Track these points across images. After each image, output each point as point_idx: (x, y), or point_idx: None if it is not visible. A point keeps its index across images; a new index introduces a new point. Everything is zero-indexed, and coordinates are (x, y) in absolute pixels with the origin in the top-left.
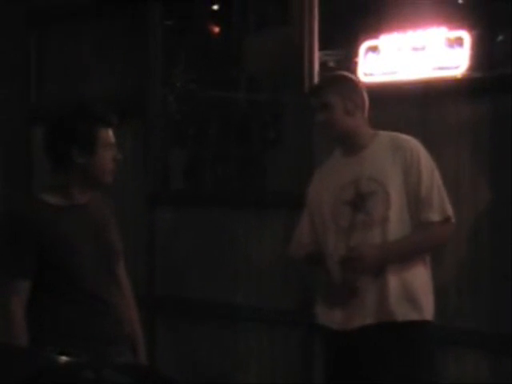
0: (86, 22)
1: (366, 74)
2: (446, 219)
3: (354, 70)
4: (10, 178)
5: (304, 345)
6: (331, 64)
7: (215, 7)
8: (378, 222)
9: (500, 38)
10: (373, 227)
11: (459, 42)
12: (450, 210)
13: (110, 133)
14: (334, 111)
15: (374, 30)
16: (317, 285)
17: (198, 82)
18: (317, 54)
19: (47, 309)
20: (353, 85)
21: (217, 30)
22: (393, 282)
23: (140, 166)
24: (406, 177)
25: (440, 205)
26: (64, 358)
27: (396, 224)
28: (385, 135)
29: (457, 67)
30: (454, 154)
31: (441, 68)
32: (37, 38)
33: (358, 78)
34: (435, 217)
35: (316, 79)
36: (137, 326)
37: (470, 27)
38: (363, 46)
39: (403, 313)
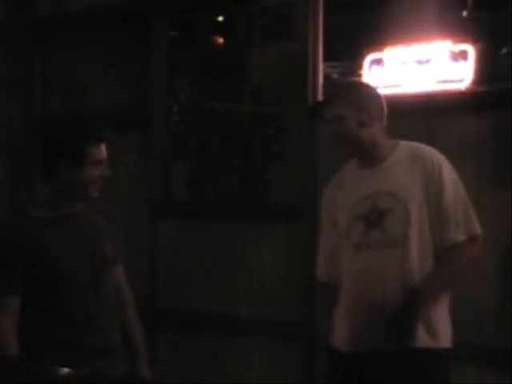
0: (90, 33)
1: None
2: (473, 237)
3: None
4: (16, 191)
5: (305, 357)
6: (335, 76)
7: (220, 19)
8: (395, 241)
9: (504, 51)
10: (389, 246)
11: (463, 55)
12: (477, 227)
13: (102, 148)
14: (347, 123)
15: (379, 42)
16: (329, 303)
17: (202, 93)
18: (321, 66)
19: (36, 325)
20: (368, 93)
21: (221, 41)
22: None
23: (143, 177)
24: (427, 190)
25: (466, 221)
26: (65, 370)
27: (417, 242)
28: (405, 145)
29: (461, 81)
30: (457, 168)
31: (445, 81)
32: (41, 49)
33: (374, 85)
34: (460, 235)
35: (320, 91)
36: (137, 335)
37: (475, 41)
38: (367, 59)
39: (422, 340)
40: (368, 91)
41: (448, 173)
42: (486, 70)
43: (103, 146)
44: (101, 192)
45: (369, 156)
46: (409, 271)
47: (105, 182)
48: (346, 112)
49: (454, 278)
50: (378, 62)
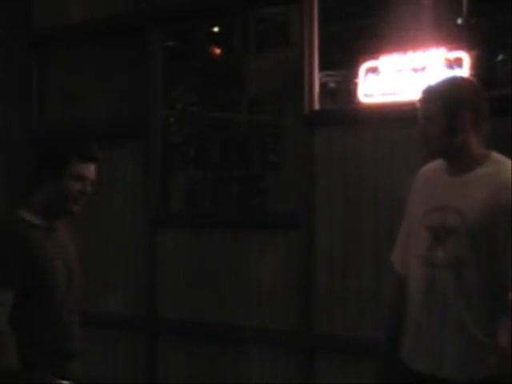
0: (87, 45)
1: (366, 95)
2: None
3: (354, 91)
4: (14, 201)
5: (304, 366)
6: (331, 85)
7: (216, 29)
8: (450, 265)
9: (499, 58)
10: (445, 268)
11: (459, 62)
12: None
13: (86, 166)
14: (437, 126)
15: (374, 51)
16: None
17: (199, 103)
18: (317, 75)
19: (24, 322)
20: (466, 94)
21: (218, 51)
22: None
23: (141, 187)
24: (496, 214)
25: None
26: (64, 383)
27: (469, 271)
28: (496, 160)
29: None
30: None
31: None
32: (39, 61)
33: (478, 86)
34: None
35: (316, 100)
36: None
37: (470, 48)
38: (363, 67)
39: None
40: (466, 91)
41: None
42: (482, 76)
43: (90, 165)
44: (81, 208)
45: (456, 163)
46: (461, 299)
47: (87, 199)
48: (436, 113)
49: None
50: (374, 70)
